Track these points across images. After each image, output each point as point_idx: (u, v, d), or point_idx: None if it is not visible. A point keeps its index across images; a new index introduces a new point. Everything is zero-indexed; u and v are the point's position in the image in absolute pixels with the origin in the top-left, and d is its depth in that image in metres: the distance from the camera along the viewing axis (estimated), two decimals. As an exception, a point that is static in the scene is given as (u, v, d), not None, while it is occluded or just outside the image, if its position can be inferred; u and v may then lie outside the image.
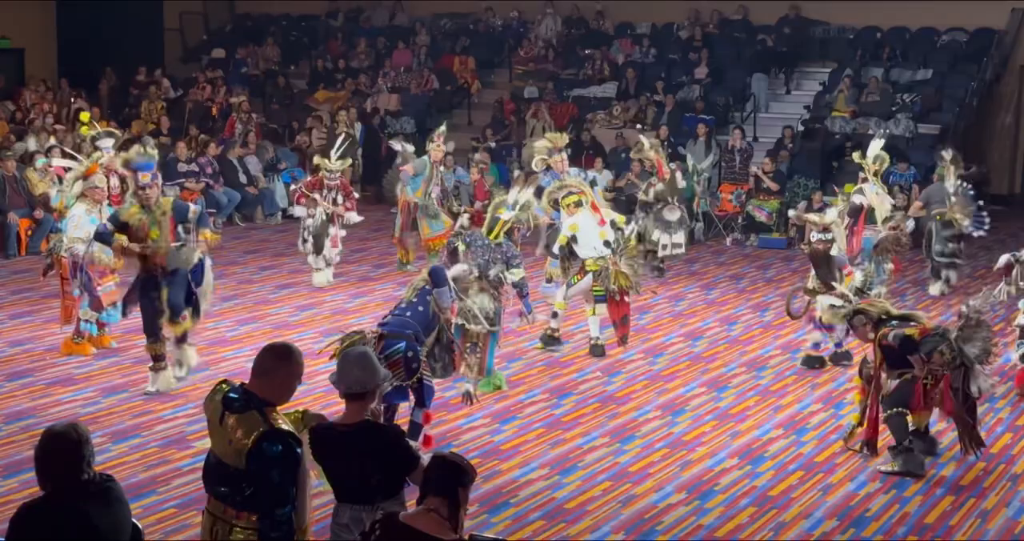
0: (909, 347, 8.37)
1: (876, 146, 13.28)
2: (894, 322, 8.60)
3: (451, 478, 4.51)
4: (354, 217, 14.02)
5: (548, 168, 13.23)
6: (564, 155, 13.28)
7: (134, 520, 4.58)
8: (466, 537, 4.55)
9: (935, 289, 14.32)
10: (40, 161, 11.44)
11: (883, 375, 8.55)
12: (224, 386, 4.81)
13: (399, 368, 8.11)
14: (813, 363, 11.00)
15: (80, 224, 10.58)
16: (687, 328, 12.44)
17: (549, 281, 12.68)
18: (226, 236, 16.99)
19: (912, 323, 8.61)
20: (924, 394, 8.39)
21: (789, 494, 7.98)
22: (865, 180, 13.23)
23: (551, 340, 11.39)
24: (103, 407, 9.42)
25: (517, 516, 7.51)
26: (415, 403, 8.29)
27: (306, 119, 20.77)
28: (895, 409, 8.39)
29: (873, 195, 12.98)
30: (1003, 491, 8.11)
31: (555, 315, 11.42)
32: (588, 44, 22.83)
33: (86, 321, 10.80)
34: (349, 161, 14.42)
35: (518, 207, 10.11)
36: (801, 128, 19.72)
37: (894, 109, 19.79)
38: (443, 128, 15.05)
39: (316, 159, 14.38)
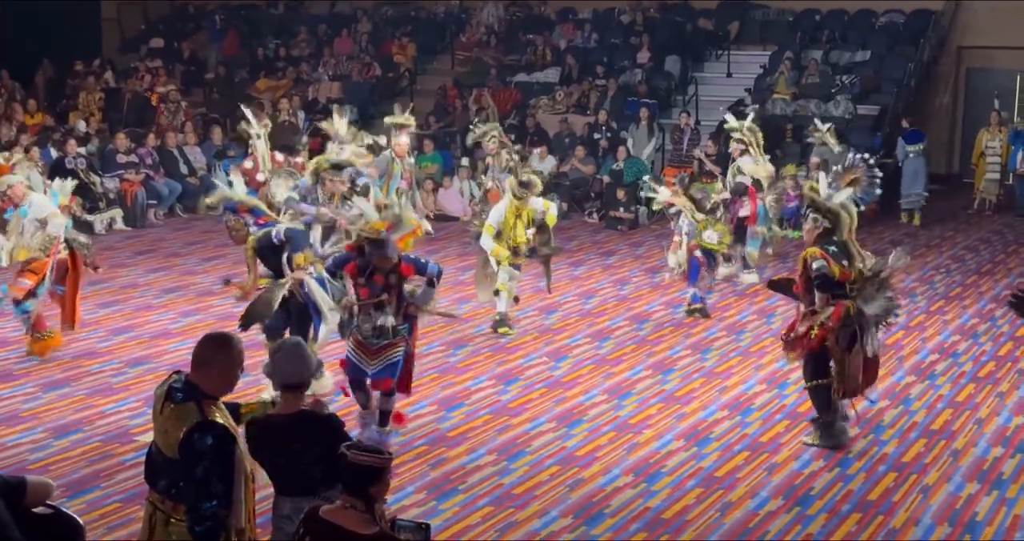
0: (823, 283, 8.22)
1: (748, 119, 14.00)
2: (833, 248, 8.29)
3: (361, 480, 4.46)
4: None
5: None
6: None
7: (76, 516, 4.54)
8: (388, 524, 4.54)
9: None
10: None
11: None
12: (175, 376, 4.78)
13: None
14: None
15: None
16: (632, 312, 12.48)
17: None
18: (168, 227, 16.85)
19: (845, 262, 8.30)
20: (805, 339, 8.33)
21: (735, 474, 8.05)
22: (744, 153, 13.50)
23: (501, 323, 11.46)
24: (43, 402, 9.30)
25: (465, 502, 7.52)
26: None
27: (248, 108, 20.55)
28: (817, 381, 8.48)
29: (752, 166, 13.22)
30: (944, 466, 8.22)
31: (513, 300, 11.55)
32: (530, 29, 22.81)
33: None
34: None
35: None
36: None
37: (833, 91, 19.95)
38: (405, 117, 13.90)
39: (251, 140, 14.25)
